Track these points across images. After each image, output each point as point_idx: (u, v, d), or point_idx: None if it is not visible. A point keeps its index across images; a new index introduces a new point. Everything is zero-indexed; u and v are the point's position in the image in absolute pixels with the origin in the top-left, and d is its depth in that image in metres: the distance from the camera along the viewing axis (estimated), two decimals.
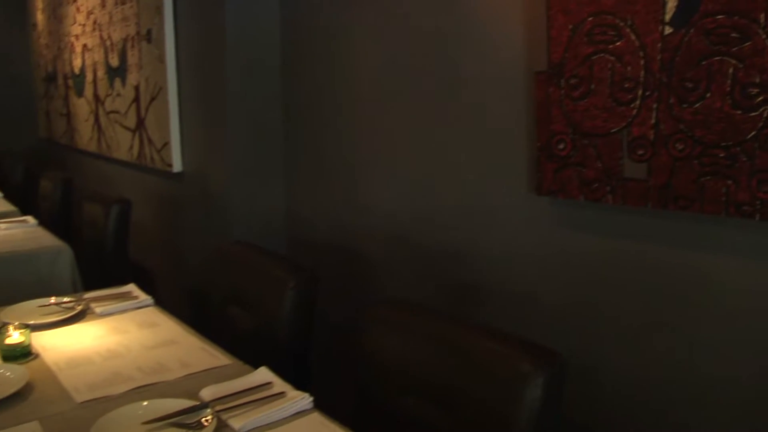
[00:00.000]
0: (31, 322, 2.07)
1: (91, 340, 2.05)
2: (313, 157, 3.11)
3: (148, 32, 3.98)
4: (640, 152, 1.72)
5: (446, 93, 2.35)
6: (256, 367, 1.78)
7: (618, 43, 1.75)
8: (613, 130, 1.78)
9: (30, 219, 3.81)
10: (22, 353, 1.91)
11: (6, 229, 3.61)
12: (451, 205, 2.38)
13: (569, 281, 2.01)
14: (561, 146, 1.91)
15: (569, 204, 1.99)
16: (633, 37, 1.71)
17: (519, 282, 2.16)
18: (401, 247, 2.62)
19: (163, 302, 2.35)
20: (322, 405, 1.61)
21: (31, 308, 2.28)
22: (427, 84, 2.43)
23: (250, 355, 1.89)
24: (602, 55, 1.79)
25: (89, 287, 2.89)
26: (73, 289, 3.11)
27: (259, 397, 1.61)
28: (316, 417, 1.55)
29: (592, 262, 1.94)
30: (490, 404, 1.48)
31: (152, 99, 4.02)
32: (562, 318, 2.03)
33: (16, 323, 1.95)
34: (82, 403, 1.65)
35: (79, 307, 2.27)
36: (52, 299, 2.35)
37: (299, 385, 1.67)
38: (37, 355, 1.94)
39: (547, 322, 2.07)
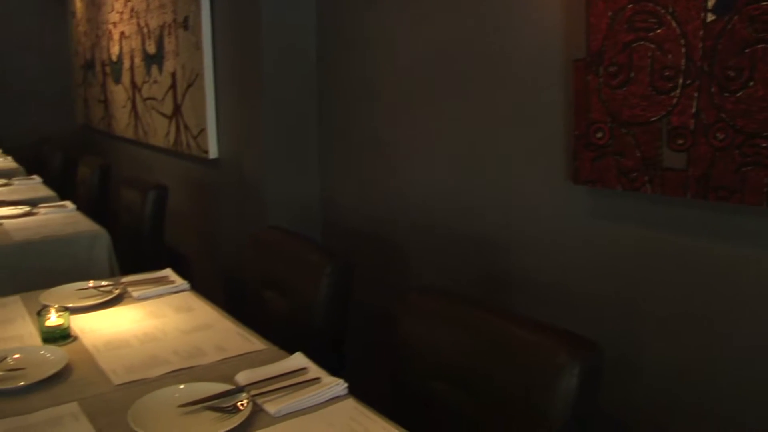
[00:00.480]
0: (70, 305, 2.09)
1: (129, 323, 2.08)
2: (348, 144, 3.11)
3: (185, 19, 4.01)
4: (680, 141, 1.70)
5: (484, 81, 2.34)
6: (290, 352, 1.79)
7: (658, 31, 1.72)
8: (652, 119, 1.76)
9: (68, 204, 3.85)
10: (62, 335, 1.94)
11: (45, 213, 3.66)
12: (487, 193, 2.37)
13: (605, 271, 1.99)
14: (599, 135, 1.89)
15: (606, 193, 1.97)
16: (674, 24, 1.68)
17: (553, 271, 2.14)
18: (436, 235, 2.62)
19: (197, 287, 2.37)
20: (355, 391, 1.61)
21: (69, 291, 2.31)
22: (465, 71, 2.41)
23: (284, 341, 1.90)
24: (642, 42, 1.76)
25: (126, 272, 2.92)
26: (110, 274, 3.15)
27: (294, 382, 1.61)
28: (351, 403, 1.56)
29: (629, 253, 1.92)
30: (525, 394, 1.48)
31: (189, 86, 4.05)
32: (596, 309, 2.02)
33: (56, 306, 1.97)
34: (119, 385, 1.67)
35: (117, 291, 2.30)
36: (91, 283, 2.37)
37: (333, 371, 1.68)
38: (75, 338, 1.97)
39: (581, 313, 2.06)
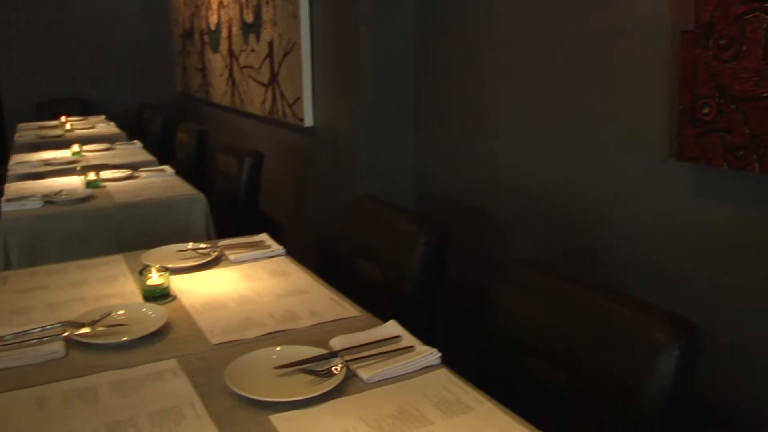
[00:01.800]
0: (170, 265, 2.14)
1: (225, 285, 2.12)
2: (445, 114, 3.08)
3: None
4: None
5: (587, 52, 2.27)
6: (383, 320, 1.79)
7: None
8: (764, 95, 1.67)
9: (167, 168, 3.95)
10: (162, 294, 1.99)
11: (146, 177, 3.77)
12: (587, 167, 2.31)
13: (705, 251, 1.92)
14: (705, 110, 1.81)
15: (710, 171, 1.88)
16: None
17: (651, 249, 2.08)
18: (532, 208, 2.58)
19: (289, 254, 2.39)
20: (446, 361, 1.60)
21: (169, 252, 2.36)
22: (568, 43, 2.35)
23: (376, 309, 1.90)
24: (756, 14, 1.67)
25: (221, 235, 2.97)
26: (207, 237, 3.22)
27: (387, 349, 1.61)
28: (444, 373, 1.55)
29: (732, 233, 1.84)
30: (619, 373, 1.44)
31: (285, 54, 4.08)
32: (695, 289, 1.95)
33: (157, 266, 2.02)
34: (216, 344, 1.71)
35: (215, 254, 2.34)
36: (189, 245, 2.42)
37: (424, 342, 1.67)
38: (175, 297, 2.01)
39: (678, 293, 1.99)
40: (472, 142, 2.91)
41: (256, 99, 4.73)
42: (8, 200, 3.20)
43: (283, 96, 4.17)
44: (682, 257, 1.99)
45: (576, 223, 2.37)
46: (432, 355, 1.59)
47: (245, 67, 4.92)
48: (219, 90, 5.67)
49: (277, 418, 1.36)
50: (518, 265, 1.83)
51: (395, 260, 2.19)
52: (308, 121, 3.83)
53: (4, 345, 1.67)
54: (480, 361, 1.81)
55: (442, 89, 3.09)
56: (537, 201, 2.55)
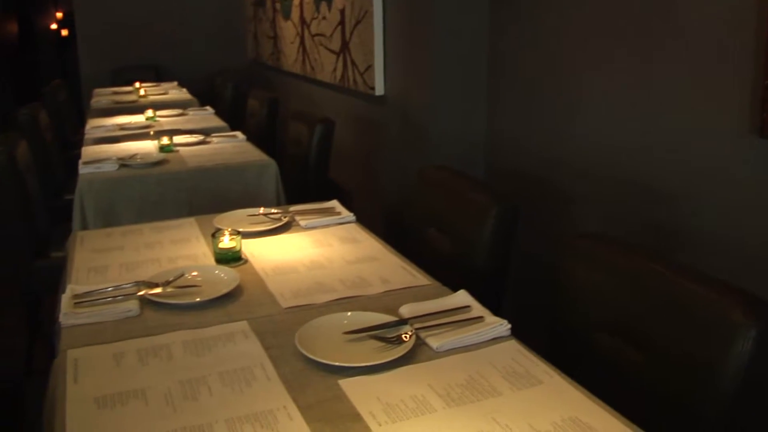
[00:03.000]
0: (242, 229, 2.16)
1: (296, 250, 2.13)
2: (517, 85, 3.03)
3: None
4: None
5: (667, 23, 2.20)
6: (451, 290, 1.78)
7: None
8: None
9: (239, 134, 3.98)
10: (234, 257, 2.01)
11: (217, 142, 3.81)
12: (663, 142, 2.24)
13: None
14: None
15: None
16: None
17: (728, 228, 2.02)
18: (605, 182, 2.52)
19: (359, 221, 2.39)
20: (514, 334, 1.58)
21: (241, 217, 2.38)
22: (644, 14, 2.28)
23: (445, 278, 1.89)
24: None
25: (291, 201, 2.99)
26: (277, 202, 3.24)
27: (457, 319, 1.60)
28: (513, 344, 1.53)
29: None
30: (692, 352, 1.40)
31: (357, 22, 4.06)
32: None
33: (229, 229, 2.04)
34: (287, 308, 1.72)
35: (285, 219, 2.36)
36: (261, 210, 2.44)
37: (493, 313, 1.65)
38: (246, 260, 2.03)
39: (756, 274, 1.92)
40: (544, 114, 2.86)
41: (326, 67, 4.73)
42: (85, 163, 3.27)
43: (354, 64, 4.16)
44: (761, 236, 1.92)
45: (650, 199, 2.31)
46: (502, 326, 1.57)
47: (316, 35, 4.92)
48: (290, 57, 5.68)
49: (345, 383, 1.37)
50: (585, 238, 1.79)
51: (466, 231, 2.17)
52: (379, 89, 3.82)
53: (83, 302, 1.72)
54: (549, 334, 1.78)
55: (516, 62, 3.03)
56: (609, 175, 2.49)
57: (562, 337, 1.75)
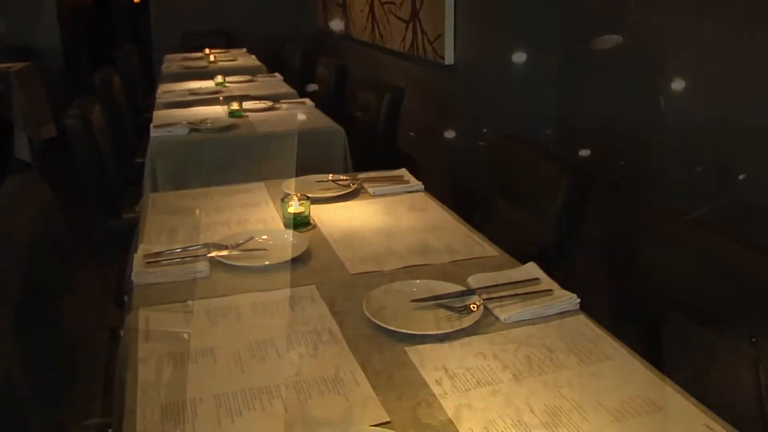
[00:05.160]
0: (311, 195, 2.17)
1: (364, 217, 2.13)
2: (593, 55, 2.96)
3: None
4: None
5: None
6: (520, 262, 1.76)
7: None
8: None
9: (307, 101, 3.99)
10: (302, 222, 2.02)
11: (286, 109, 3.82)
12: (754, 120, 2.16)
13: None
14: None
15: None
16: None
17: None
18: (683, 159, 2.45)
19: (427, 190, 2.37)
20: (584, 308, 1.55)
21: (310, 183, 2.39)
22: None
23: (514, 250, 1.87)
24: None
25: (358, 169, 2.99)
26: (344, 170, 3.24)
27: (525, 291, 1.58)
28: (582, 319, 1.51)
29: None
30: None
31: None
32: None
33: (298, 195, 2.06)
34: (354, 274, 1.73)
35: (354, 186, 2.36)
36: (329, 176, 2.45)
37: (562, 286, 1.62)
38: (314, 226, 2.05)
39: None
40: (620, 85, 2.78)
41: (396, 35, 4.70)
42: (156, 126, 3.32)
43: (424, 33, 4.12)
44: None
45: (728, 177, 2.24)
46: (571, 300, 1.55)
47: (386, 2, 4.88)
48: (359, 25, 5.66)
49: (412, 350, 1.37)
50: (661, 216, 1.75)
51: (536, 203, 2.14)
52: (449, 59, 3.78)
53: (154, 261, 1.75)
54: (618, 312, 1.75)
55: (591, 29, 2.95)
56: (687, 152, 2.42)
57: (634, 314, 1.71)
